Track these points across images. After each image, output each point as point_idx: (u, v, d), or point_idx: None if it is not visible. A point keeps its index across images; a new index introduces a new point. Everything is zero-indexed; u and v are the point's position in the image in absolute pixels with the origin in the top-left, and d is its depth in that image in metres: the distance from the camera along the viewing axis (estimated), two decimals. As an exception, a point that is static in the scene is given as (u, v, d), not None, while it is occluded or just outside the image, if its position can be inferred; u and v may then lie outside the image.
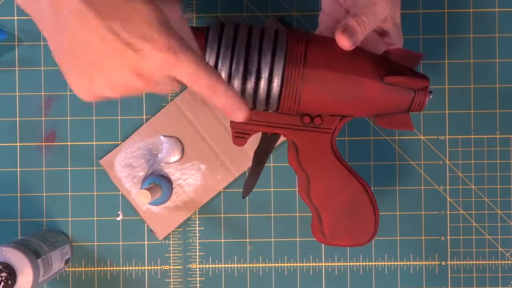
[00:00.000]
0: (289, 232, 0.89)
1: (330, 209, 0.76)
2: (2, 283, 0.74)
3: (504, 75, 0.88)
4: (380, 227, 0.88)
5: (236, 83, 0.71)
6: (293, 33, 0.73)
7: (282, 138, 0.87)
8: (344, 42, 0.71)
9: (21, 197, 0.89)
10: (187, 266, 0.89)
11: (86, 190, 0.89)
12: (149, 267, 0.89)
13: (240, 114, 0.65)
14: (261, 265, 0.89)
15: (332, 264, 0.89)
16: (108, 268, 0.89)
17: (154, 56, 0.61)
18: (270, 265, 0.89)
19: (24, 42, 0.88)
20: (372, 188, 0.88)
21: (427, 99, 0.73)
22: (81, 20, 0.60)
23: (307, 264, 0.89)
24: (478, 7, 0.88)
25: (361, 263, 0.89)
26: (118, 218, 0.89)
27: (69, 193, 0.89)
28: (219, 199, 0.89)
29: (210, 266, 0.89)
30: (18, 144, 0.89)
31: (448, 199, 0.89)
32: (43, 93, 0.89)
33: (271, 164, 0.89)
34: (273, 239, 0.89)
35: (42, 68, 0.89)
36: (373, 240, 0.88)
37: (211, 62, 0.71)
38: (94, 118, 0.89)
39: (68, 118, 0.89)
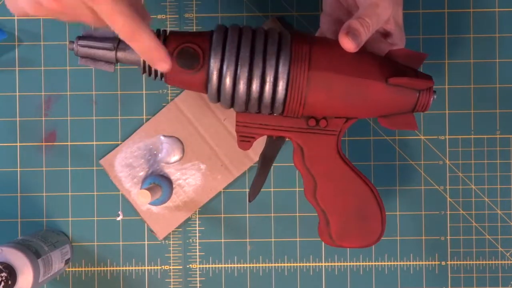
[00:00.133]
0: (289, 232, 0.89)
1: (337, 211, 0.76)
2: (2, 283, 0.74)
3: (504, 75, 0.88)
4: (380, 227, 0.88)
5: (241, 86, 0.71)
6: (296, 36, 0.73)
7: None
8: (348, 44, 0.71)
9: (21, 197, 0.89)
10: (187, 266, 0.89)
11: (86, 190, 0.89)
12: (149, 267, 0.89)
13: (162, 65, 0.66)
14: (261, 265, 0.89)
15: (332, 264, 0.89)
16: (108, 268, 0.89)
17: None
18: (270, 265, 0.89)
19: (24, 42, 0.88)
20: (372, 188, 0.88)
21: (432, 99, 0.73)
22: None
23: (307, 264, 0.89)
24: (478, 7, 0.89)
25: (361, 263, 0.89)
26: (118, 218, 0.89)
27: (69, 193, 0.89)
28: (219, 199, 0.89)
29: (210, 266, 0.89)
30: (18, 144, 0.89)
31: (448, 199, 0.89)
32: (43, 93, 0.89)
33: (272, 165, 0.89)
34: (273, 239, 0.89)
35: (42, 68, 0.89)
36: (373, 240, 0.88)
37: (216, 66, 0.71)
38: (94, 118, 0.89)
39: (68, 118, 0.89)
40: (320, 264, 0.89)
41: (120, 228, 0.89)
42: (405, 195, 0.89)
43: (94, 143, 0.89)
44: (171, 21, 0.89)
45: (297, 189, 0.89)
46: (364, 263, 0.89)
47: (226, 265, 0.89)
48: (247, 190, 0.89)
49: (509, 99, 0.89)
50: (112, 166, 0.89)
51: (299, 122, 0.75)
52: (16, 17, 0.89)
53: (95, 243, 0.89)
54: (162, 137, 0.88)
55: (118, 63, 0.89)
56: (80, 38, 0.72)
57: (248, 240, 0.89)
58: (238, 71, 0.71)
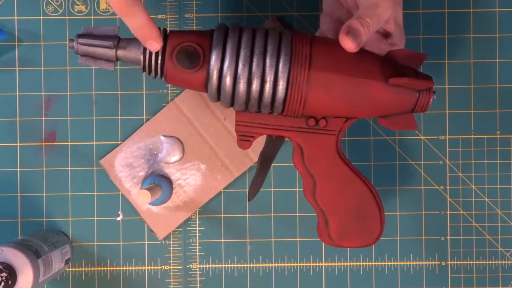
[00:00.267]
0: (289, 232, 0.89)
1: (337, 211, 0.76)
2: (3, 283, 0.74)
3: (504, 75, 0.88)
4: (380, 227, 0.88)
5: (241, 86, 0.71)
6: (297, 36, 0.73)
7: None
8: (349, 45, 0.71)
9: (21, 197, 0.89)
10: (187, 266, 0.89)
11: (86, 190, 0.89)
12: (149, 267, 0.89)
13: (153, 43, 0.70)
14: (261, 265, 0.89)
15: (332, 264, 0.89)
16: (108, 268, 0.89)
17: None
18: (270, 265, 0.89)
19: (24, 42, 0.88)
20: (372, 188, 0.88)
21: (431, 99, 0.73)
22: None
23: (307, 264, 0.89)
24: (478, 7, 0.89)
25: (361, 263, 0.89)
26: (118, 218, 0.89)
27: (69, 193, 0.89)
28: (219, 199, 0.89)
29: (210, 266, 0.89)
30: (18, 144, 0.89)
31: (448, 199, 0.89)
32: (43, 93, 0.89)
33: (271, 164, 0.89)
34: (273, 239, 0.89)
35: (42, 68, 0.89)
36: (373, 240, 0.88)
37: (216, 65, 0.71)
38: (94, 118, 0.89)
39: (68, 118, 0.89)
40: (320, 264, 0.89)
41: (120, 228, 0.89)
42: (405, 195, 0.89)
43: (94, 143, 0.89)
44: (171, 21, 0.89)
45: (297, 189, 0.89)
46: (364, 263, 0.89)
47: (226, 265, 0.89)
48: (247, 190, 0.89)
49: (509, 99, 0.89)
50: (112, 166, 0.89)
51: (298, 122, 0.75)
52: (16, 17, 0.89)
53: (95, 243, 0.89)
54: (162, 137, 0.88)
55: (119, 63, 0.89)
56: (80, 36, 0.72)
57: (248, 240, 0.89)
58: (239, 71, 0.71)
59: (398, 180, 0.89)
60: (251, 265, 0.89)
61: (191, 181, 0.88)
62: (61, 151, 0.89)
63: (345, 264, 0.89)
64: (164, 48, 0.72)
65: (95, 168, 0.89)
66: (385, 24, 0.76)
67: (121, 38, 0.72)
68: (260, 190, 0.89)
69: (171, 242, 0.89)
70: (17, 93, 0.89)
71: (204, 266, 0.89)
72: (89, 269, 0.89)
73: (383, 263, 0.89)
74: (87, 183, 0.89)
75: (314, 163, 0.76)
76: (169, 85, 0.89)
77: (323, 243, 0.89)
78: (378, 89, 0.72)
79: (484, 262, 0.89)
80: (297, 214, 0.89)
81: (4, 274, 0.75)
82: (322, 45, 0.73)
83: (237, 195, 0.89)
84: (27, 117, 0.89)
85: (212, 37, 0.72)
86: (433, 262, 0.89)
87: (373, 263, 0.89)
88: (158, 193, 0.84)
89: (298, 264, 0.89)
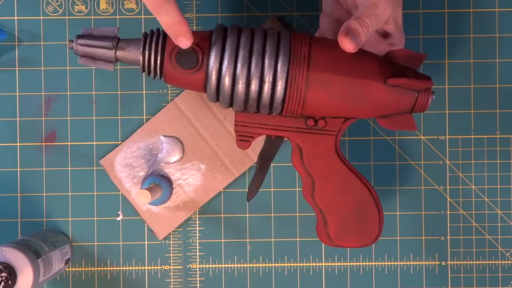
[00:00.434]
0: (289, 232, 0.89)
1: (335, 211, 0.76)
2: (3, 283, 0.74)
3: (504, 75, 0.88)
4: (380, 227, 0.88)
5: (240, 86, 0.71)
6: (296, 36, 0.73)
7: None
8: (347, 45, 0.71)
9: (21, 197, 0.89)
10: (187, 266, 0.89)
11: (86, 190, 0.89)
12: (149, 267, 0.89)
13: (184, 40, 0.70)
14: (261, 265, 0.89)
15: (332, 264, 0.89)
16: (108, 268, 0.89)
17: None
18: (270, 265, 0.89)
19: (24, 42, 0.88)
20: (372, 188, 0.88)
21: (430, 100, 0.73)
22: None
23: (307, 264, 0.89)
24: (478, 7, 0.88)
25: (361, 263, 0.89)
26: (118, 218, 0.89)
27: (69, 193, 0.89)
28: (219, 199, 0.89)
29: (210, 266, 0.89)
30: (18, 144, 0.89)
31: (448, 199, 0.89)
32: (43, 93, 0.89)
33: (271, 164, 0.89)
34: (273, 239, 0.89)
35: (42, 68, 0.89)
36: (373, 240, 0.88)
37: (215, 66, 0.71)
38: (94, 118, 0.89)
39: (68, 118, 0.89)
40: (320, 264, 0.89)
41: (120, 228, 0.89)
42: (405, 195, 0.89)
43: (94, 143, 0.89)
44: (171, 21, 0.89)
45: (297, 189, 0.89)
46: (364, 263, 0.89)
47: (226, 265, 0.89)
48: (247, 190, 0.89)
49: (509, 99, 0.89)
50: (112, 166, 0.89)
51: (297, 122, 0.75)
52: (16, 17, 0.89)
53: (95, 243, 0.89)
54: (162, 137, 0.88)
55: (118, 63, 0.89)
56: (79, 37, 0.72)
57: (248, 240, 0.89)
58: (237, 71, 0.71)
59: (398, 180, 0.89)
60: (251, 265, 0.89)
61: (191, 181, 0.88)
62: (61, 151, 0.89)
63: (345, 264, 0.89)
64: (163, 49, 0.72)
65: (95, 168, 0.89)
66: (384, 24, 0.76)
67: (120, 39, 0.72)
68: (260, 190, 0.89)
69: (171, 242, 0.89)
70: (17, 93, 0.89)
71: (204, 266, 0.89)
72: (89, 269, 0.89)
73: (383, 263, 0.89)
74: (87, 183, 0.89)
75: (313, 163, 0.76)
76: (169, 85, 0.89)
77: (323, 243, 0.89)
78: (377, 90, 0.72)
79: (484, 262, 0.89)
80: (297, 214, 0.89)
81: (4, 274, 0.75)
82: (321, 45, 0.73)
83: (237, 195, 0.89)
84: (27, 117, 0.89)
85: (211, 38, 0.72)
86: (433, 262, 0.89)
87: (373, 263, 0.89)
88: (158, 193, 0.84)
89: (298, 264, 0.89)
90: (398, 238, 0.89)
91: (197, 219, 0.89)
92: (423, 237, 0.89)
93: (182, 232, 0.89)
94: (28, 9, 0.88)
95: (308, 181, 0.76)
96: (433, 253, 0.89)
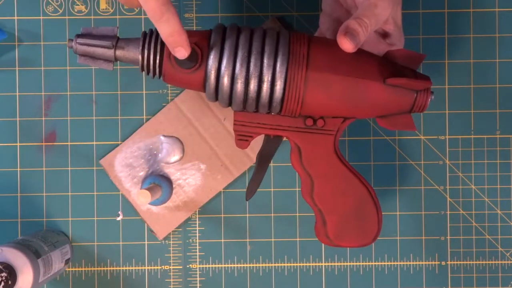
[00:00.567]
0: (289, 232, 0.89)
1: (334, 211, 0.76)
2: (2, 283, 0.74)
3: (504, 75, 0.88)
4: (380, 227, 0.88)
5: (239, 86, 0.71)
6: (295, 36, 0.73)
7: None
8: (346, 45, 0.71)
9: (21, 197, 0.89)
10: (187, 266, 0.89)
11: (86, 190, 0.89)
12: (149, 267, 0.89)
13: (182, 51, 0.69)
14: (261, 265, 0.89)
15: (332, 264, 0.89)
16: (108, 268, 0.89)
17: None
18: (270, 265, 0.89)
19: (24, 42, 0.88)
20: (372, 188, 0.88)
21: (429, 100, 0.73)
22: None
23: (307, 264, 0.89)
24: (478, 7, 0.88)
25: (361, 263, 0.89)
26: (118, 218, 0.89)
27: (69, 193, 0.89)
28: (219, 199, 0.89)
29: (210, 266, 0.89)
30: (18, 144, 0.89)
31: (448, 199, 0.89)
32: (43, 93, 0.89)
33: (271, 164, 0.89)
34: (273, 239, 0.89)
35: (42, 68, 0.89)
36: (373, 240, 0.88)
37: (214, 65, 0.71)
38: (94, 118, 0.89)
39: (68, 118, 0.89)
40: (320, 264, 0.89)
41: (120, 228, 0.89)
42: (405, 195, 0.89)
43: (94, 143, 0.89)
44: (171, 21, 0.89)
45: (297, 189, 0.89)
46: (364, 263, 0.89)
47: (226, 265, 0.89)
48: (246, 189, 0.89)
49: (509, 99, 0.89)
50: (112, 166, 0.89)
51: (296, 122, 0.75)
52: (16, 17, 0.89)
53: (95, 243, 0.89)
54: (162, 137, 0.88)
55: (118, 62, 0.89)
56: (79, 36, 0.72)
57: (248, 240, 0.89)
58: (236, 71, 0.71)
59: (398, 180, 0.89)
60: (251, 265, 0.89)
61: (191, 181, 0.88)
62: (61, 151, 0.89)
63: (345, 264, 0.89)
64: (162, 48, 0.72)
65: (95, 168, 0.89)
66: (384, 24, 0.76)
67: (119, 38, 0.72)
68: (260, 190, 0.89)
69: (171, 242, 0.89)
70: (17, 93, 0.89)
71: (204, 266, 0.89)
72: (89, 269, 0.89)
73: (383, 263, 0.89)
74: (87, 183, 0.89)
75: (312, 163, 0.76)
76: (169, 85, 0.89)
77: (323, 243, 0.89)
78: (376, 89, 0.72)
79: (484, 262, 0.89)
80: (297, 214, 0.89)
81: (4, 274, 0.75)
82: (320, 45, 0.73)
83: (237, 195, 0.89)
84: (27, 117, 0.89)
85: (210, 38, 0.72)
86: (433, 262, 0.89)
87: (373, 263, 0.89)
88: (158, 193, 0.84)
89: (298, 264, 0.89)
90: (398, 238, 0.89)
91: (197, 219, 0.89)
92: (423, 237, 0.89)
93: (182, 232, 0.89)
94: (28, 9, 0.88)
95: (307, 181, 0.76)
96: (433, 253, 0.89)
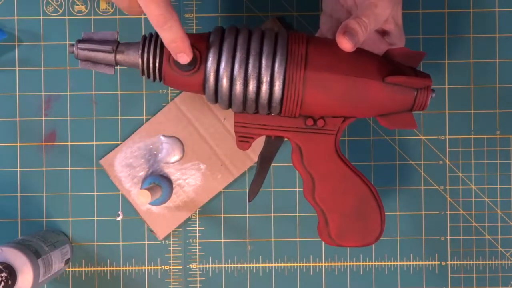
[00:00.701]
0: (289, 232, 0.89)
1: (336, 210, 0.76)
2: (2, 283, 0.74)
3: (504, 75, 0.88)
4: (380, 227, 0.88)
5: (238, 87, 0.71)
6: (293, 36, 0.73)
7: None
8: (345, 44, 0.71)
9: (21, 197, 0.89)
10: (187, 266, 0.89)
11: (86, 190, 0.89)
12: (149, 267, 0.89)
13: (184, 56, 0.70)
14: (261, 265, 0.89)
15: (332, 264, 0.89)
16: (108, 268, 0.89)
17: None
18: (270, 265, 0.89)
19: (24, 42, 0.88)
20: (372, 188, 0.88)
21: (430, 98, 0.73)
22: None
23: (307, 264, 0.89)
24: (478, 7, 0.88)
25: (361, 263, 0.89)
26: (118, 218, 0.89)
27: (69, 193, 0.89)
28: (219, 199, 0.89)
29: (210, 266, 0.89)
30: (18, 144, 0.89)
31: (448, 199, 0.89)
32: (43, 93, 0.89)
33: (271, 164, 0.89)
34: (273, 239, 0.89)
35: (42, 68, 0.89)
36: (373, 240, 0.88)
37: (213, 67, 0.71)
38: (94, 118, 0.89)
39: (68, 118, 0.89)
40: (320, 264, 0.89)
41: (120, 228, 0.89)
42: (405, 195, 0.89)
43: (94, 143, 0.89)
44: (171, 21, 0.89)
45: (297, 189, 0.89)
46: (364, 263, 0.89)
47: (226, 265, 0.89)
48: (247, 190, 0.89)
49: (509, 99, 0.89)
50: (112, 166, 0.89)
51: (297, 122, 0.75)
52: (16, 17, 0.89)
53: (95, 243, 0.89)
54: (162, 137, 0.88)
55: (118, 65, 0.89)
56: (80, 41, 0.72)
57: (248, 240, 0.89)
58: (235, 72, 0.71)
59: (398, 180, 0.89)
60: (251, 265, 0.89)
61: (191, 181, 0.88)
62: (61, 151, 0.89)
63: (345, 264, 0.89)
64: (161, 52, 0.72)
65: (95, 168, 0.89)
66: (384, 24, 0.76)
67: (120, 43, 0.73)
68: (260, 190, 0.89)
69: (171, 242, 0.89)
70: (17, 93, 0.89)
71: (204, 266, 0.89)
72: (89, 269, 0.89)
73: (383, 263, 0.89)
74: (87, 183, 0.89)
75: (313, 163, 0.76)
76: (169, 85, 0.89)
77: (323, 243, 0.89)
78: (376, 88, 0.72)
79: (484, 262, 0.89)
80: (297, 214, 0.89)
81: (4, 274, 0.75)
82: (318, 44, 0.73)
83: (237, 195, 0.89)
84: (27, 117, 0.89)
85: (209, 40, 0.72)
86: (433, 262, 0.89)
87: (373, 263, 0.89)
88: (158, 193, 0.84)
89: (298, 264, 0.89)
90: (398, 238, 0.89)
91: (197, 219, 0.89)
92: (423, 237, 0.89)
93: (182, 232, 0.89)
94: (28, 9, 0.88)
95: (309, 181, 0.76)
96: (433, 253, 0.89)
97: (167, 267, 0.89)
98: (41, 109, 0.89)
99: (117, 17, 0.89)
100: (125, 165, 0.88)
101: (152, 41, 0.72)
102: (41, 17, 0.89)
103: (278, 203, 0.89)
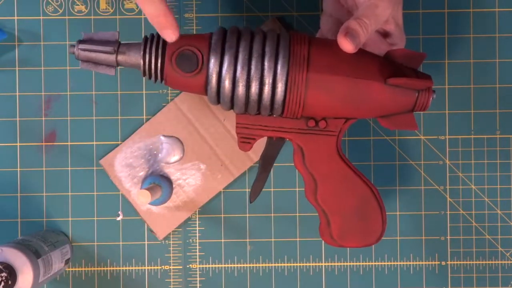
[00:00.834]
0: (289, 232, 0.89)
1: (338, 211, 0.76)
2: (2, 283, 0.74)
3: (504, 75, 0.88)
4: (380, 227, 0.88)
5: (240, 89, 0.71)
6: (295, 37, 0.73)
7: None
8: (347, 45, 0.71)
9: (21, 197, 0.89)
10: (187, 266, 0.89)
11: (86, 190, 0.89)
12: (149, 267, 0.89)
13: (169, 33, 0.70)
14: (261, 265, 0.89)
15: (332, 264, 0.89)
16: (108, 268, 0.89)
17: None
18: (270, 265, 0.89)
19: (24, 42, 0.88)
20: (372, 188, 0.88)
21: (431, 99, 0.73)
22: None
23: (307, 264, 0.89)
24: (478, 7, 0.88)
25: (361, 263, 0.89)
26: (118, 218, 0.89)
27: (69, 193, 0.89)
28: (219, 199, 0.89)
29: (210, 266, 0.89)
30: (18, 144, 0.89)
31: (448, 199, 0.89)
32: (43, 93, 0.89)
33: (273, 165, 0.89)
34: (273, 239, 0.89)
35: (42, 68, 0.89)
36: (373, 240, 0.88)
37: (215, 69, 0.71)
38: (94, 118, 0.89)
39: (68, 118, 0.89)
40: (320, 264, 0.89)
41: (120, 228, 0.89)
42: (405, 195, 0.89)
43: (94, 143, 0.89)
44: (171, 21, 0.89)
45: (297, 189, 0.89)
46: (364, 263, 0.89)
47: (226, 265, 0.89)
48: (247, 190, 0.89)
49: (509, 99, 0.89)
50: (112, 166, 0.89)
51: (298, 123, 0.75)
52: (16, 17, 0.89)
53: (95, 243, 0.89)
54: (162, 137, 0.88)
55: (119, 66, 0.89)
56: (80, 42, 0.72)
57: (248, 240, 0.89)
58: (237, 74, 0.71)
59: (398, 180, 0.89)
60: (251, 265, 0.89)
61: (191, 181, 0.88)
62: (61, 151, 0.89)
63: (345, 264, 0.89)
64: (163, 52, 0.72)
65: (95, 168, 0.89)
66: (384, 24, 0.76)
67: (121, 43, 0.72)
68: (262, 190, 0.89)
69: (171, 242, 0.89)
70: (17, 93, 0.89)
71: (204, 266, 0.89)
72: (89, 269, 0.89)
73: (383, 263, 0.89)
74: (87, 183, 0.89)
75: (315, 164, 0.76)
76: (169, 85, 0.89)
77: (323, 243, 0.89)
78: (377, 90, 0.72)
79: (484, 262, 0.89)
80: (297, 214, 0.89)
81: (4, 274, 0.75)
82: (320, 46, 0.73)
83: (237, 195, 0.89)
84: (27, 117, 0.89)
85: (211, 41, 0.72)
86: (433, 262, 0.89)
87: (373, 263, 0.89)
88: (158, 193, 0.84)
89: (298, 264, 0.89)
90: (398, 238, 0.89)
91: (197, 219, 0.89)
92: (423, 237, 0.89)
93: (182, 232, 0.89)
94: (28, 9, 0.88)
95: (311, 182, 0.76)
96: (433, 253, 0.89)
97: (167, 267, 0.89)
98: (41, 109, 0.89)
99: (117, 17, 0.89)
100: (125, 165, 0.88)
101: (154, 41, 0.72)
102: (41, 17, 0.89)
103: (278, 203, 0.89)
